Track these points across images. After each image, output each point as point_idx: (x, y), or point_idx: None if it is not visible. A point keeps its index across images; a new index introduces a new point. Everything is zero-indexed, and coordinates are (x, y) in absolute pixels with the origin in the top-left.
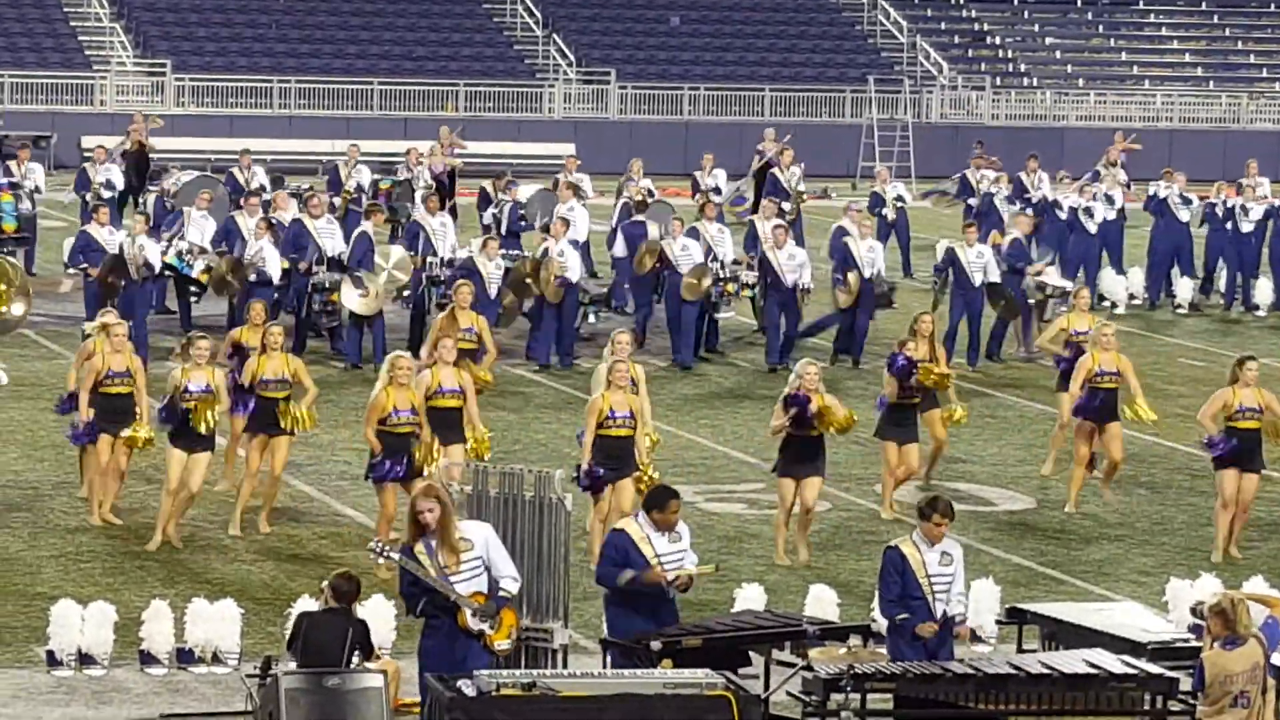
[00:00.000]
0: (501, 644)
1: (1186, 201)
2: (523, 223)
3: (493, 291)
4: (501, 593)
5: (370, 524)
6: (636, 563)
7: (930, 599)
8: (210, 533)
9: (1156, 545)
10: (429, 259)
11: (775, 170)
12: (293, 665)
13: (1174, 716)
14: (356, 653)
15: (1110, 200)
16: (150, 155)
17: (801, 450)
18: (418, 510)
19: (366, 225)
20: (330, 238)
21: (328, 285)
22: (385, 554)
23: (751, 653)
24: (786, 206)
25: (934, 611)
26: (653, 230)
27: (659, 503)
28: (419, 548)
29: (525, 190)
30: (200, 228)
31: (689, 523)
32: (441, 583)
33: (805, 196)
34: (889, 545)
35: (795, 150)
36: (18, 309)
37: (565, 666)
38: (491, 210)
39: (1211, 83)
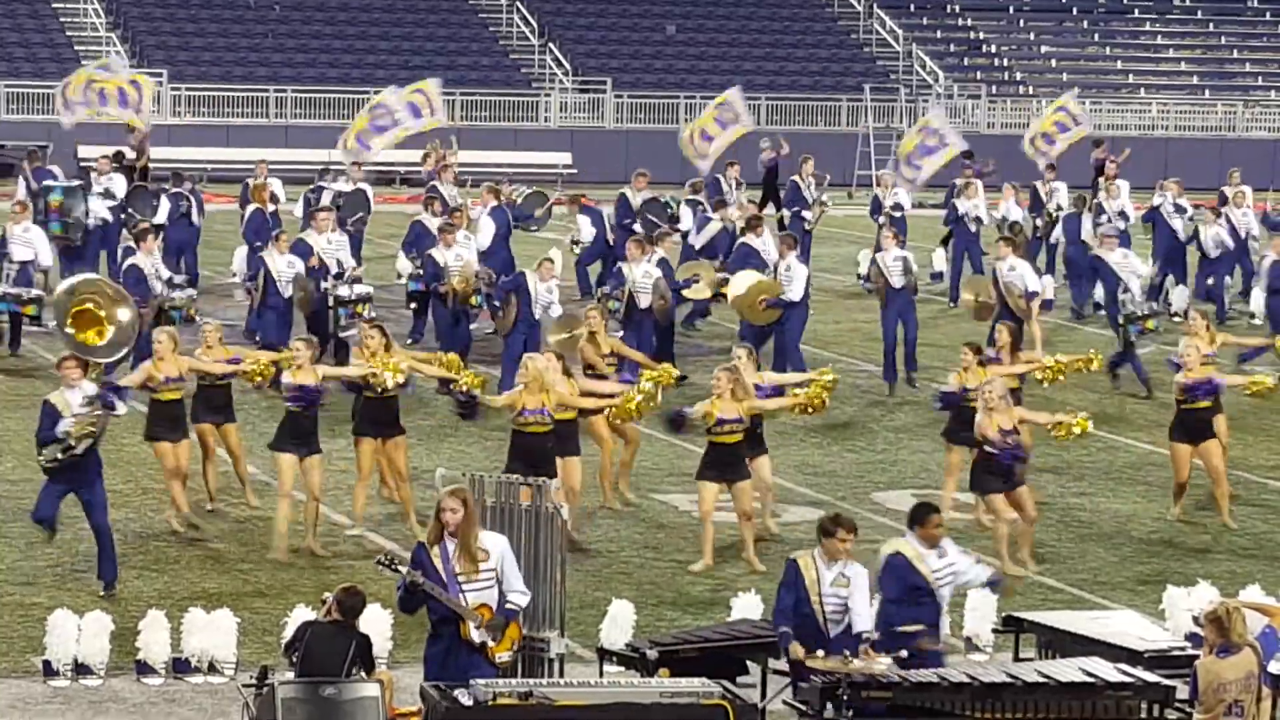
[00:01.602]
0: (503, 655)
1: (1180, 210)
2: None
3: (643, 301)
4: (509, 605)
5: (367, 534)
6: (914, 582)
7: (821, 618)
8: (206, 542)
9: (1153, 554)
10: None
11: (796, 178)
12: (289, 674)
13: None
14: (357, 667)
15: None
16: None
17: (717, 455)
18: (441, 509)
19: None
20: (342, 250)
21: (352, 298)
22: (394, 566)
23: (748, 661)
24: (808, 215)
25: (824, 630)
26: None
27: (919, 519)
28: (435, 550)
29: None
30: (26, 244)
31: (686, 532)
32: (448, 596)
33: (828, 205)
34: (789, 557)
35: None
36: (123, 314)
37: (562, 675)
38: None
39: (1207, 91)
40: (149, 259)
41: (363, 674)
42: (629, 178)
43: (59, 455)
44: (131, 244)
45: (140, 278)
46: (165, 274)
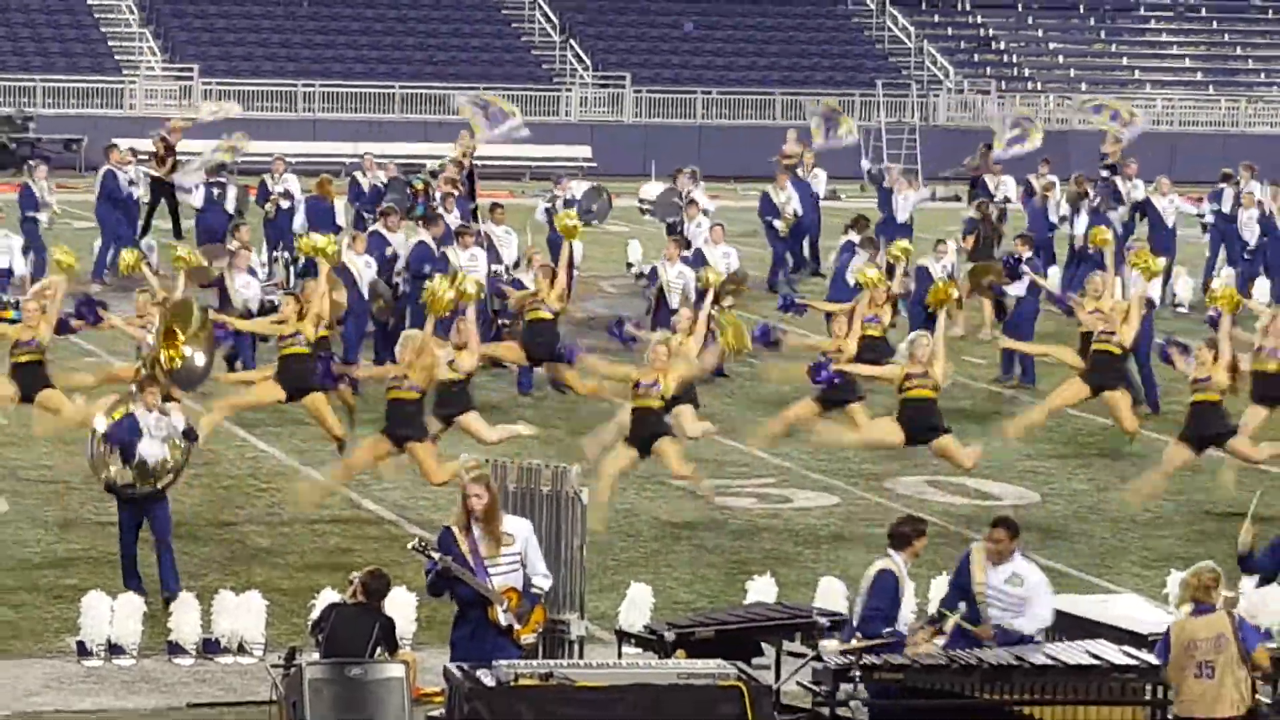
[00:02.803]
0: (528, 638)
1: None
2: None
3: (673, 301)
4: (534, 589)
5: (390, 517)
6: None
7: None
8: (235, 526)
9: (1157, 539)
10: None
11: (799, 171)
12: (316, 655)
13: (1167, 705)
14: (380, 648)
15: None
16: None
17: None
18: (467, 495)
19: (424, 235)
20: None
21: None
22: (427, 551)
23: (763, 644)
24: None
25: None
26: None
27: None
28: (462, 535)
29: (578, 186)
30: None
31: (703, 516)
32: (476, 580)
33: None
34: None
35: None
36: (199, 359)
37: (582, 657)
38: (544, 205)
39: (1211, 87)
40: (241, 275)
41: (386, 655)
42: (646, 170)
43: (135, 484)
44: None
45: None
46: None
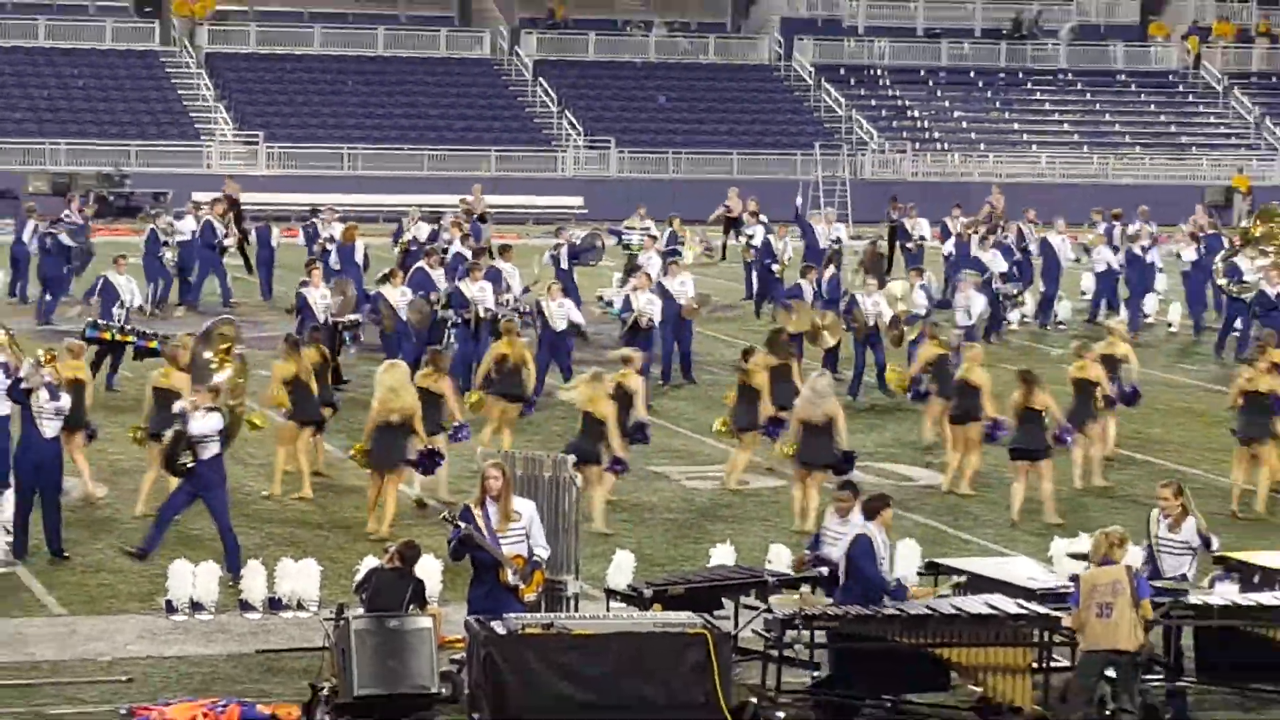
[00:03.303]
0: (530, 596)
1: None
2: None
3: (643, 322)
4: (535, 557)
5: (429, 500)
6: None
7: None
8: (294, 506)
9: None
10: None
11: (745, 215)
12: (360, 611)
13: (1056, 647)
14: (414, 605)
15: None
16: (241, 207)
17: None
18: (484, 477)
19: (423, 264)
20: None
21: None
22: (454, 521)
23: (724, 599)
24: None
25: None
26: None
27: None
28: (479, 511)
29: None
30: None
31: (674, 497)
32: (491, 546)
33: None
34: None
35: (756, 201)
36: (220, 375)
37: (577, 610)
38: (549, 253)
39: (1085, 146)
40: (318, 290)
41: (417, 610)
42: (630, 216)
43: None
44: (305, 277)
45: (307, 305)
46: (327, 302)
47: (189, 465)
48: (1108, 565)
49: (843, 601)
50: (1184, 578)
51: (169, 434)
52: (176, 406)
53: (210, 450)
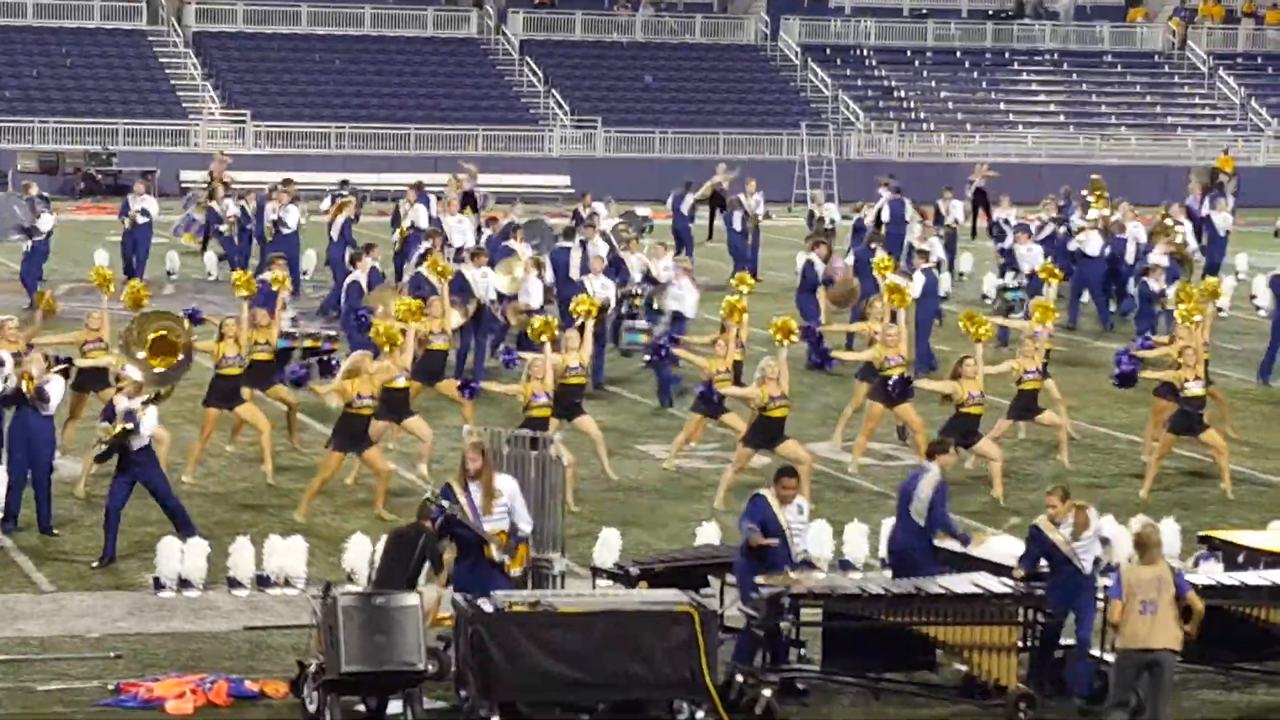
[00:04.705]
0: (516, 571)
1: (1023, 229)
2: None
3: None
4: (519, 534)
5: (409, 475)
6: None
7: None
8: (281, 486)
9: (1027, 493)
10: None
11: (741, 196)
12: (349, 588)
13: (1039, 625)
14: (426, 563)
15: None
16: (229, 185)
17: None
18: (466, 459)
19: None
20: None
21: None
22: (439, 501)
23: (709, 577)
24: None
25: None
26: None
27: (777, 477)
28: (461, 490)
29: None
30: None
31: (661, 477)
32: (475, 523)
33: (761, 218)
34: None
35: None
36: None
37: (563, 588)
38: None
39: (1071, 126)
40: (363, 275)
41: (434, 568)
42: (615, 196)
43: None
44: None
45: (360, 292)
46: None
47: (108, 444)
48: (1149, 563)
49: (900, 537)
50: (1110, 567)
51: (116, 429)
52: (121, 406)
53: (139, 442)
